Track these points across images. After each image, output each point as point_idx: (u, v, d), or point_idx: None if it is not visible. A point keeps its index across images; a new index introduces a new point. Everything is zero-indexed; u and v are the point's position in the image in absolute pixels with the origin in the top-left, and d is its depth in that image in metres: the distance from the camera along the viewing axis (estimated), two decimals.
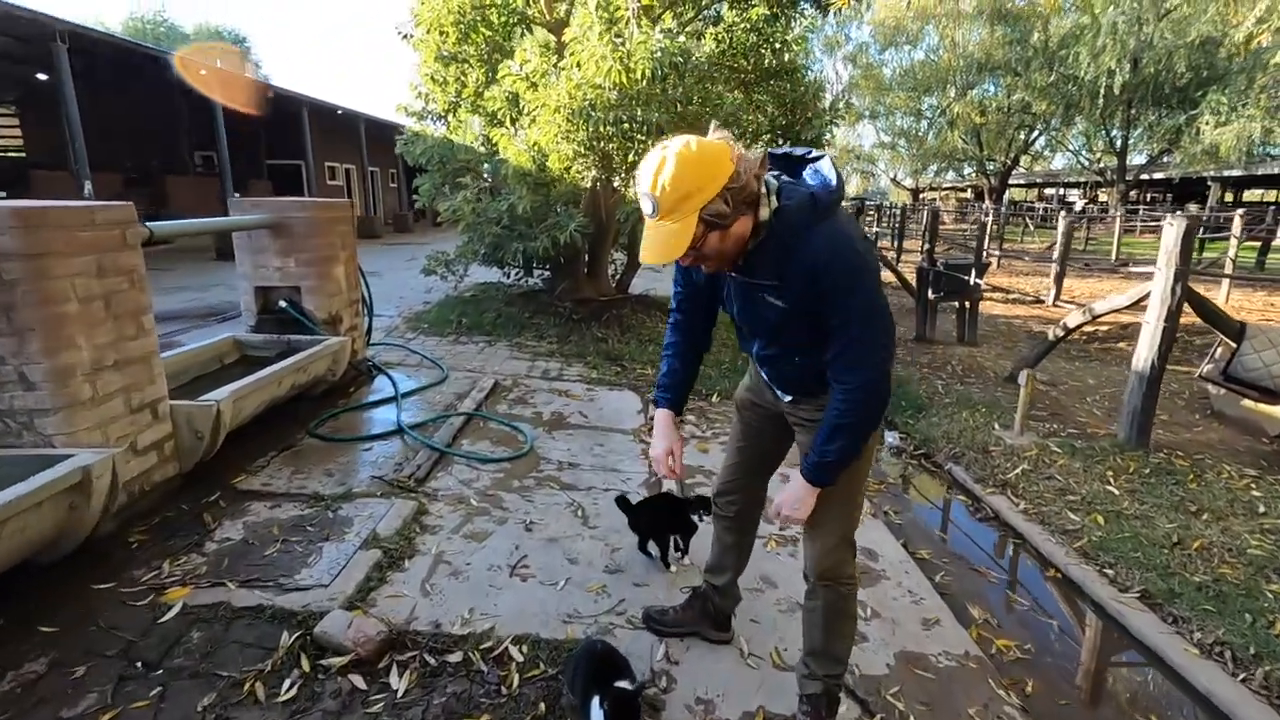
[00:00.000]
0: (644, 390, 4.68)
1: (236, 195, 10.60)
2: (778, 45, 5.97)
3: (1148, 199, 31.96)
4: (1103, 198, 31.23)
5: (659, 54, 4.37)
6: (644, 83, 4.58)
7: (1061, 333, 4.14)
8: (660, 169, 1.28)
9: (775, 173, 1.45)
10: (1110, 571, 2.69)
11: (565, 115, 4.77)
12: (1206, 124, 20.21)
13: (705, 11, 6.34)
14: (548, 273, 7.39)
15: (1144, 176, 27.10)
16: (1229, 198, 28.49)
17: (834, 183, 1.38)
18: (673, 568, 2.48)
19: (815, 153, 1.47)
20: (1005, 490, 3.41)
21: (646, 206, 1.32)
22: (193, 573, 2.24)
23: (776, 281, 1.43)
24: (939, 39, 27.99)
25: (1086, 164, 28.86)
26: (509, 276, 7.33)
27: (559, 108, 4.73)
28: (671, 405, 1.79)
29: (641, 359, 5.38)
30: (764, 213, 1.38)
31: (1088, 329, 5.37)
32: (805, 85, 6.55)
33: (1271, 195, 33.96)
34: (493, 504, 2.92)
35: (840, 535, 1.64)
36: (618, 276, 7.52)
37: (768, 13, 5.71)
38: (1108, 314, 3.84)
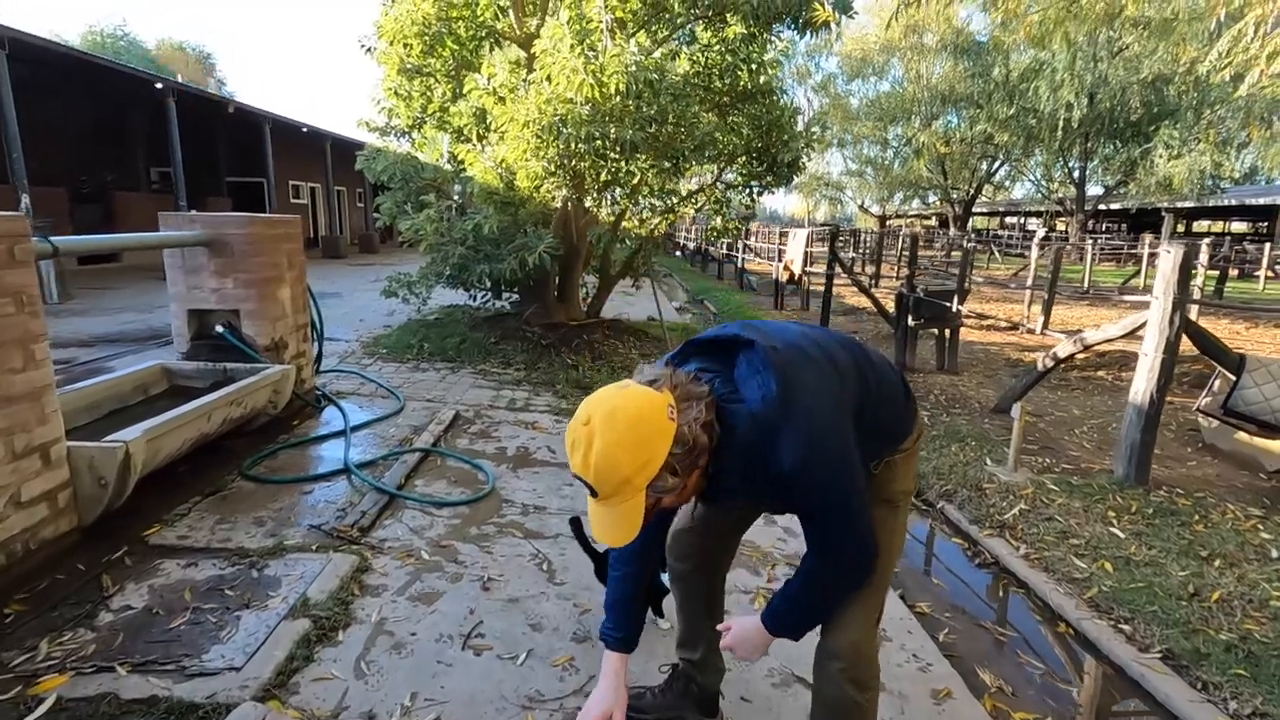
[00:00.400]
0: None
1: (193, 211, 10.10)
2: (754, 66, 5.83)
3: (1104, 228, 32.99)
4: (1061, 227, 32.16)
5: (634, 68, 4.16)
6: (618, 99, 4.36)
7: (1051, 363, 3.99)
8: (588, 452, 1.08)
9: (708, 374, 1.22)
10: (1127, 627, 2.46)
11: (535, 131, 4.52)
12: (1160, 157, 20.97)
13: (680, 31, 6.19)
14: (516, 296, 7.10)
15: (1101, 207, 27.95)
16: (1180, 228, 29.57)
17: (774, 389, 1.15)
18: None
19: (744, 335, 1.24)
20: (1003, 533, 3.18)
21: (586, 488, 1.12)
22: (76, 654, 1.86)
23: (744, 502, 1.33)
24: (904, 71, 28.71)
25: (1046, 194, 29.69)
26: (475, 299, 7.02)
27: (528, 123, 4.49)
28: (624, 645, 1.47)
29: None
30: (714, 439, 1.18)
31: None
32: (781, 108, 6.43)
33: (1218, 226, 35.40)
34: (446, 557, 2.59)
35: (861, 624, 1.37)
36: (589, 300, 7.26)
37: (744, 32, 5.57)
38: (1100, 344, 3.70)
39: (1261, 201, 23.90)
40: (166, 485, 2.91)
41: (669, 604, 2.13)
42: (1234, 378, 3.33)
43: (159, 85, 12.02)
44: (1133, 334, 3.54)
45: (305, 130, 17.49)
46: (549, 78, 4.51)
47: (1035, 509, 3.32)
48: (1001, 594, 2.86)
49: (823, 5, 4.94)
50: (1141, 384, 3.34)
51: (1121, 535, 3.04)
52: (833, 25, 5.66)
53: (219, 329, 3.64)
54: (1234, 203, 24.41)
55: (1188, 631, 2.37)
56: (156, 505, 2.75)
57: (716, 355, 1.27)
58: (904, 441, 1.45)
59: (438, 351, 5.87)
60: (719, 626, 1.52)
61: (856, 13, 5.68)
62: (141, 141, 16.04)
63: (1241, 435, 3.79)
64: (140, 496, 2.64)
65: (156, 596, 2.16)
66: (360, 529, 2.70)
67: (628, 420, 1.07)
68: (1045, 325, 7.32)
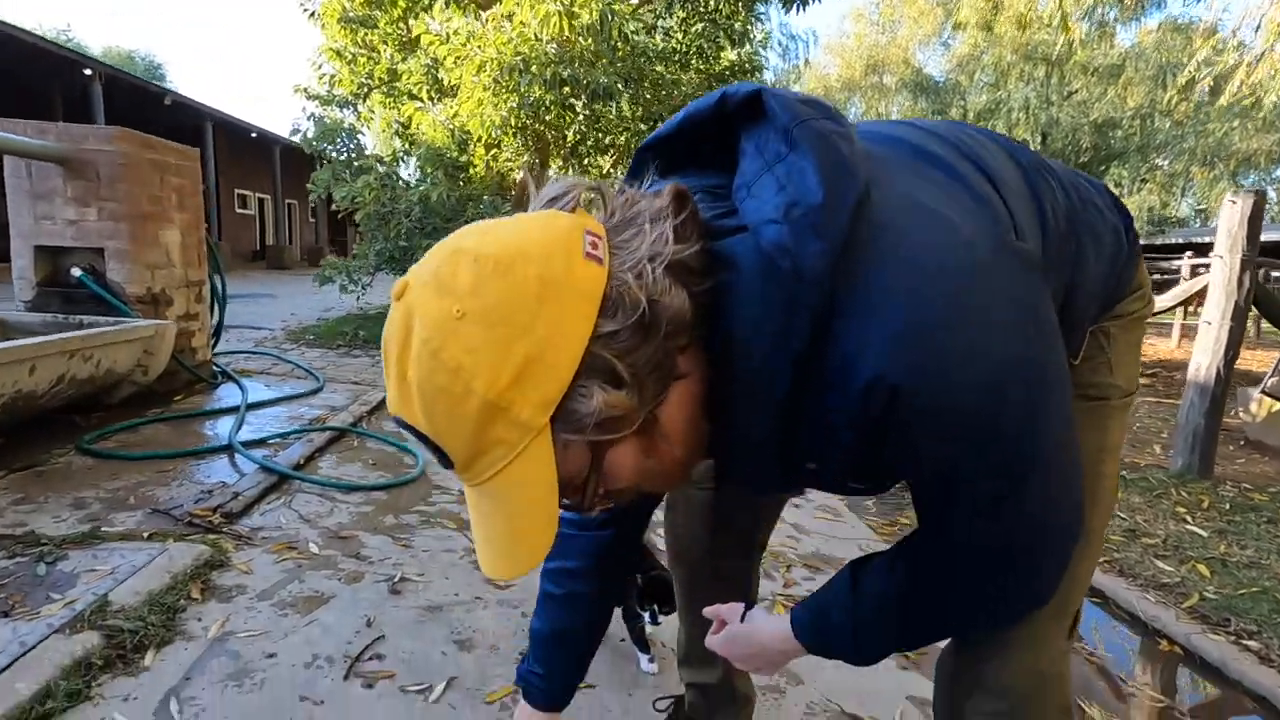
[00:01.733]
0: None
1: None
2: (735, 36, 5.38)
3: None
4: None
5: None
6: (590, 39, 3.80)
7: None
8: (403, 355, 0.46)
9: (684, 184, 0.54)
10: (1254, 643, 1.88)
11: (492, 74, 3.91)
12: None
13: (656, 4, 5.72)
14: None
15: None
16: None
17: (818, 191, 0.47)
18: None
19: (742, 88, 0.56)
20: None
21: (429, 450, 0.48)
22: None
23: (813, 465, 0.57)
24: (864, 109, 29.37)
25: None
26: None
27: (484, 64, 3.87)
28: (550, 700, 0.86)
29: None
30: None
31: None
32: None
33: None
34: (345, 551, 1.85)
35: (1046, 636, 0.69)
36: None
37: None
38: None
39: (1207, 240, 24.92)
40: None
41: (659, 622, 1.44)
42: None
43: (86, 71, 11.11)
44: (1185, 303, 3.06)
45: (254, 135, 16.62)
46: (509, 16, 3.92)
47: None
48: None
49: None
50: (1205, 358, 2.84)
51: (1203, 534, 2.49)
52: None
53: (76, 273, 2.86)
54: (1181, 241, 25.36)
55: None
56: None
57: (708, 160, 0.60)
58: (1124, 299, 0.80)
59: (374, 339, 5.11)
60: (705, 611, 0.83)
61: None
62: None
63: None
64: None
65: None
66: (226, 514, 1.94)
67: (486, 267, 0.45)
68: None
